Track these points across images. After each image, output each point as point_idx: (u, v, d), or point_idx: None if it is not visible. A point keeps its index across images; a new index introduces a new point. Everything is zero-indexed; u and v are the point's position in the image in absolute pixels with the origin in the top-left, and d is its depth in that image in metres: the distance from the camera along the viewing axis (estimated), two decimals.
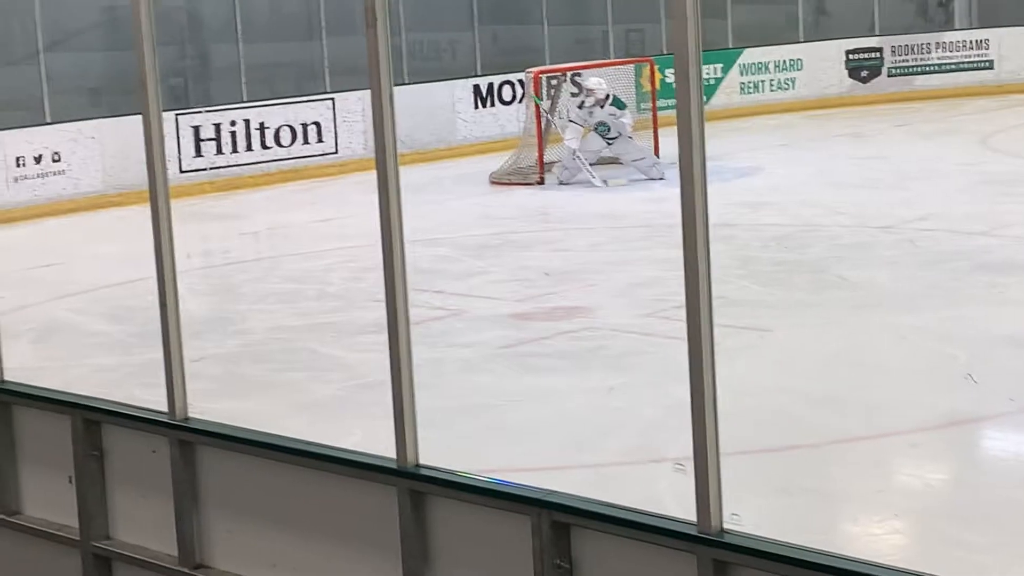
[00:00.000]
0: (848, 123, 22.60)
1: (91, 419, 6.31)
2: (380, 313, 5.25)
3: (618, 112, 18.15)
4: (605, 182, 17.69)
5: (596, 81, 18.39)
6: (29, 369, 8.78)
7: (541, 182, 18.15)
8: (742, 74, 24.58)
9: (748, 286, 11.85)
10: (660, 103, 19.62)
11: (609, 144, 18.16)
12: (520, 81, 21.08)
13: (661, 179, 17.50)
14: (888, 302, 11.28)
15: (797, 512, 7.19)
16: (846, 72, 25.24)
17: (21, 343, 11.05)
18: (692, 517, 4.40)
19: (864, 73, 25.29)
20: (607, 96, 18.11)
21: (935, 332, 10.27)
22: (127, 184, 17.56)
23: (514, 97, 21.91)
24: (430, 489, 5.16)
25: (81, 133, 18.35)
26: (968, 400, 8.75)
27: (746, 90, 24.63)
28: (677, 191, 4.27)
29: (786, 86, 24.91)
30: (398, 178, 5.23)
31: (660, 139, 18.94)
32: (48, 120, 18.44)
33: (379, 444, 5.44)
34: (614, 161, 18.33)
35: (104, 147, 18.30)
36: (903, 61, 25.29)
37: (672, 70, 21.53)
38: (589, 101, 18.10)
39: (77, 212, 17.84)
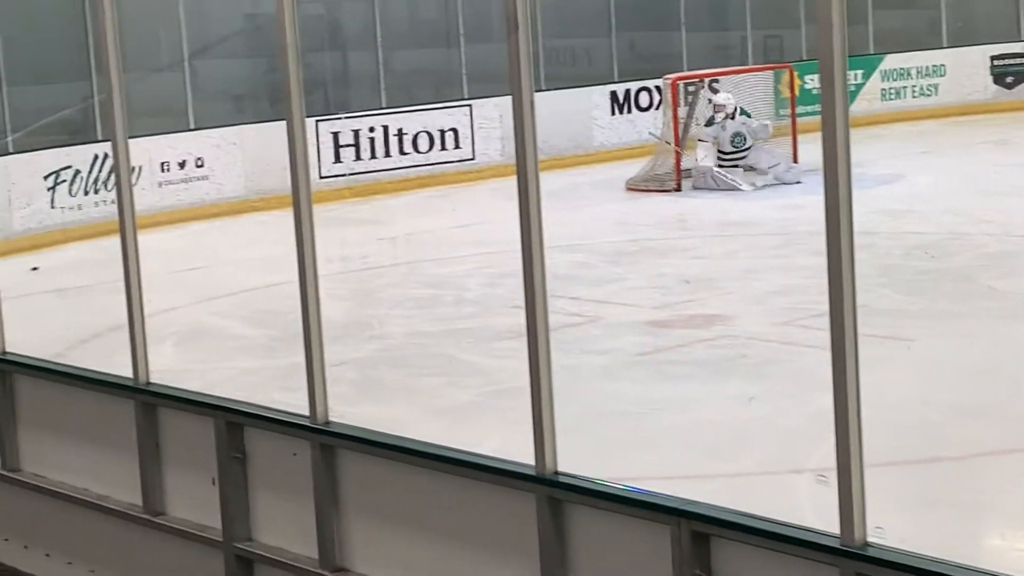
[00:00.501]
0: (993, 130, 22.16)
1: (234, 422, 6.40)
2: (516, 319, 5.25)
3: (749, 120, 18.18)
4: (753, 184, 17.66)
5: (724, 96, 18.45)
6: (173, 371, 8.93)
7: (678, 189, 18.06)
8: (883, 80, 24.22)
9: (890, 295, 11.67)
10: (799, 109, 19.44)
11: (743, 155, 18.10)
12: (657, 87, 20.99)
13: (798, 183, 17.37)
14: None
15: (942, 526, 7.06)
16: (991, 78, 24.75)
17: (166, 346, 11.26)
18: (834, 529, 4.34)
19: (1009, 79, 24.78)
20: (735, 108, 18.15)
21: None
22: (268, 189, 17.82)
23: (651, 103, 21.82)
24: (568, 496, 5.15)
25: (224, 139, 18.65)
26: None
27: (887, 96, 24.26)
28: (815, 198, 4.22)
29: (928, 92, 24.50)
30: (538, 184, 5.23)
31: (799, 146, 18.74)
32: (192, 126, 18.76)
33: (516, 450, 5.44)
34: (751, 169, 18.21)
35: (246, 153, 18.58)
36: None
37: (811, 76, 21.41)
38: (719, 116, 18.14)
39: (220, 217, 18.13)
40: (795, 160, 18.64)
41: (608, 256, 14.44)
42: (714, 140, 18.15)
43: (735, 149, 18.11)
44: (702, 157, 18.03)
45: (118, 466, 7.06)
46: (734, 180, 17.74)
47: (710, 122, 18.33)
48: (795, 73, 20.17)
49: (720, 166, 18.01)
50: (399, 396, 9.93)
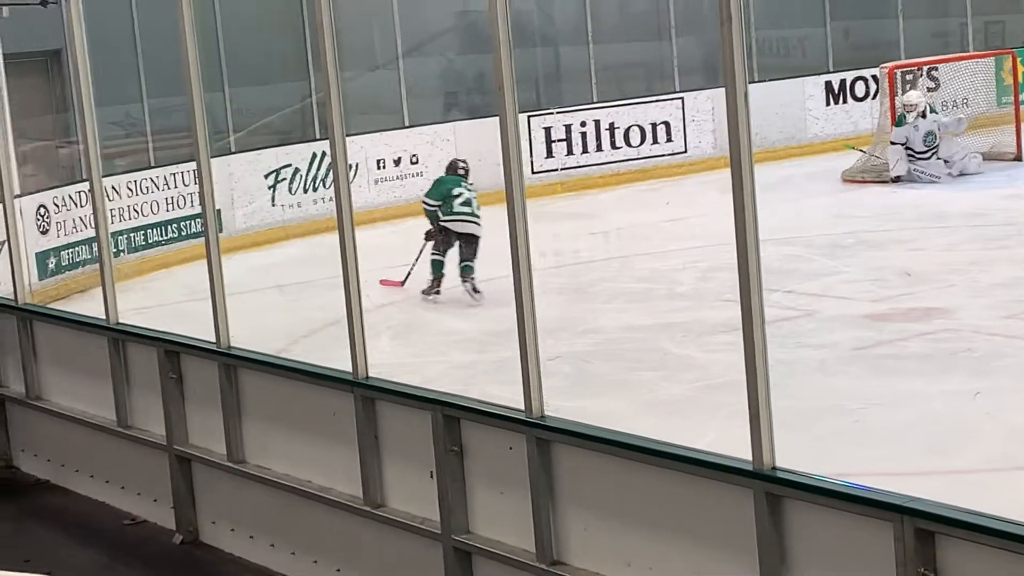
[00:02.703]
0: None
1: (451, 415, 6.47)
2: (730, 313, 5.21)
3: (940, 117, 17.71)
4: (950, 174, 17.27)
5: (916, 95, 17.91)
6: (390, 365, 9.07)
7: (896, 180, 17.68)
8: None
9: None
10: (1022, 96, 18.86)
11: (935, 151, 17.63)
12: (874, 77, 20.59)
13: (979, 173, 17.02)
14: None
15: None
16: None
17: (382, 340, 11.44)
18: None
19: None
20: (927, 106, 17.66)
21: None
22: (483, 186, 17.94)
23: (867, 93, 21.41)
24: (788, 492, 5.09)
25: (438, 136, 18.87)
26: None
27: None
28: None
29: None
30: (753, 177, 5.17)
31: (1023, 133, 18.22)
32: (406, 124, 19.03)
33: (732, 445, 5.39)
34: (948, 162, 17.73)
35: (459, 149, 18.76)
36: None
37: None
38: (911, 116, 17.63)
39: None
40: (1019, 150, 18.15)
41: (823, 249, 14.22)
42: (906, 140, 17.67)
43: (927, 147, 17.66)
44: (893, 165, 17.58)
45: (339, 458, 7.20)
46: (933, 175, 17.34)
47: (900, 121, 17.82)
48: (1018, 59, 19.58)
49: (914, 164, 17.55)
50: (614, 390, 9.92)
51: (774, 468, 5.16)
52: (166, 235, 16.26)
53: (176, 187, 16.29)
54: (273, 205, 17.53)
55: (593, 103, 20.28)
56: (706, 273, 13.15)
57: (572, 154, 19.87)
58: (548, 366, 6.51)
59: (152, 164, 16.55)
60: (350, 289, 7.04)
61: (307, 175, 17.69)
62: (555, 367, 9.79)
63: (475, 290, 12.73)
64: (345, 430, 7.09)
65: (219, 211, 15.02)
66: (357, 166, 17.78)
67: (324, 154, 17.03)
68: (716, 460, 5.40)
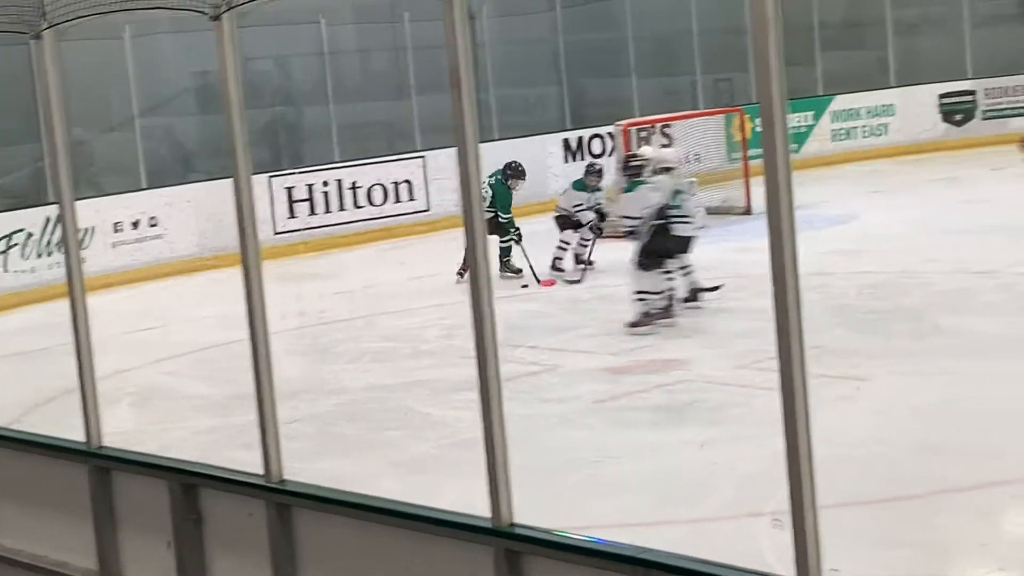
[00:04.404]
0: (943, 168, 22.36)
1: (188, 483, 6.36)
2: (474, 370, 5.23)
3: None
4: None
5: (648, 150, 17.63)
6: (128, 433, 8.88)
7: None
8: (833, 121, 24.44)
9: (844, 335, 11.71)
10: (751, 152, 19.55)
11: None
12: (610, 134, 21.11)
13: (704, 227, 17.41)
14: (990, 349, 11.08)
15: (900, 565, 7.06)
16: (939, 116, 25.00)
17: (121, 407, 11.18)
18: (792, 572, 4.32)
19: (958, 117, 25.04)
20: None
21: None
22: (223, 247, 17.78)
23: (604, 150, 21.92)
24: (526, 548, 5.12)
25: (177, 197, 18.61)
26: None
27: (838, 137, 24.48)
28: (765, 240, 4.22)
29: (878, 132, 24.73)
30: (485, 234, 5.23)
31: (751, 188, 18.86)
32: (144, 185, 18.71)
33: (475, 503, 5.41)
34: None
35: (199, 211, 18.53)
36: (997, 104, 25.00)
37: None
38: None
39: (174, 275, 18.07)
40: (748, 204, 18.76)
41: (564, 304, 14.46)
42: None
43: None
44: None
45: (74, 531, 6.99)
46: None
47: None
48: (746, 116, 20.31)
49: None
50: (358, 450, 9.88)
51: (512, 524, 5.19)
52: None
53: None
54: (5, 271, 17.02)
55: (335, 162, 20.28)
56: (450, 331, 13.22)
57: (315, 214, 19.83)
58: (291, 428, 6.46)
59: None
60: (82, 355, 6.87)
61: (41, 240, 17.23)
62: (298, 429, 9.71)
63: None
64: (80, 501, 6.90)
65: None
66: (93, 229, 17.40)
67: (58, 218, 16.61)
68: (454, 518, 5.41)
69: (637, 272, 12.88)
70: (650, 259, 12.87)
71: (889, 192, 20.68)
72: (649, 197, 13.28)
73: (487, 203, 14.76)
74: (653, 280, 12.81)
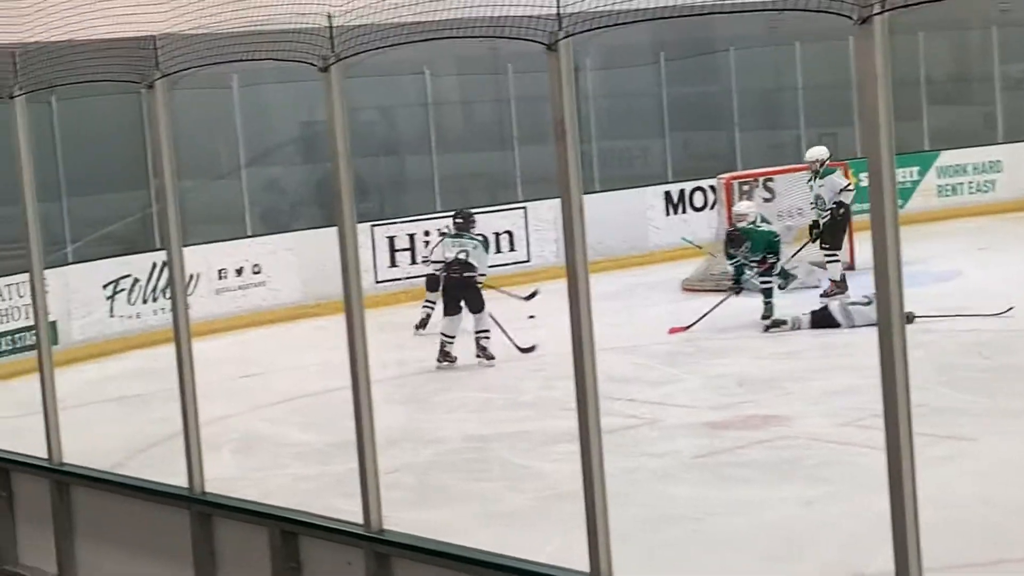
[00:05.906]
0: None
1: (288, 531, 6.38)
2: (573, 422, 5.22)
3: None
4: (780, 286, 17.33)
5: (745, 205, 17.43)
6: (229, 479, 8.93)
7: (737, 290, 17.88)
8: (939, 177, 24.16)
9: (949, 393, 11.54)
10: (854, 207, 19.34)
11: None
12: (712, 187, 21.03)
13: (814, 286, 17.60)
14: None
15: None
16: None
17: (223, 453, 11.26)
18: None
19: None
20: (757, 216, 17.23)
21: None
22: (325, 295, 17.89)
23: (706, 203, 21.84)
24: None
25: (279, 245, 18.80)
26: None
27: (944, 193, 24.20)
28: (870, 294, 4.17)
29: (985, 188, 24.40)
30: (588, 287, 5.23)
31: (855, 243, 18.67)
32: (249, 233, 18.93)
33: (574, 556, 5.38)
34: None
35: (302, 259, 18.70)
36: None
37: (867, 173, 21.24)
38: (741, 224, 17.25)
39: (277, 323, 18.21)
40: (852, 258, 18.57)
41: (664, 357, 14.38)
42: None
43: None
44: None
45: None
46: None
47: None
48: (850, 170, 20.12)
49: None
50: (456, 501, 9.87)
51: None
52: None
53: (10, 298, 15.96)
54: (112, 316, 17.25)
55: (437, 212, 20.37)
56: (550, 382, 13.19)
57: (416, 263, 19.89)
58: (391, 478, 6.47)
59: None
60: (186, 401, 6.94)
61: (147, 285, 17.46)
62: (398, 479, 9.72)
63: None
64: (181, 547, 6.95)
65: (55, 322, 14.74)
66: (199, 276, 17.60)
67: (164, 264, 16.82)
68: (552, 572, 5.39)
69: None
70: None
71: (995, 248, 20.37)
72: None
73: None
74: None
